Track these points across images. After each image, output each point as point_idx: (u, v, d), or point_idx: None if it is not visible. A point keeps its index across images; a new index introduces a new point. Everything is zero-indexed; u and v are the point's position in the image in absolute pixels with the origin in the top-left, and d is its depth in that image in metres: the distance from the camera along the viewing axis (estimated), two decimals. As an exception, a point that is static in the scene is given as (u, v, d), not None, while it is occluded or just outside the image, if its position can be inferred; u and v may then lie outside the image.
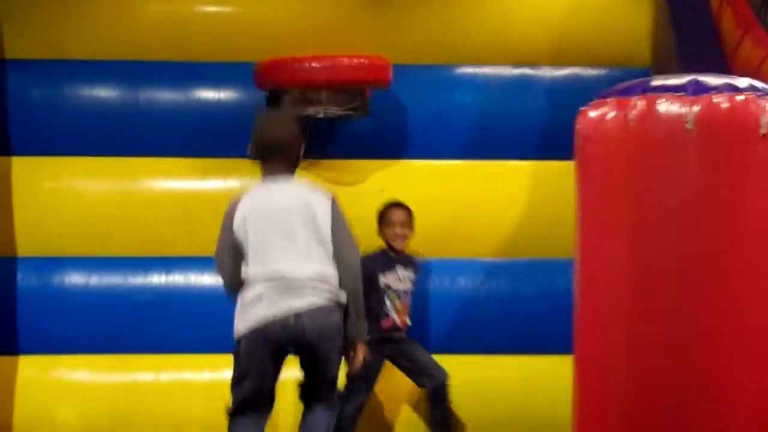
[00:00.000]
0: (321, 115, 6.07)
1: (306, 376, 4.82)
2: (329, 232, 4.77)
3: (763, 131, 2.99)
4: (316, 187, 5.02)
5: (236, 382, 4.76)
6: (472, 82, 6.50)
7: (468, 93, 6.47)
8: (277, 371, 4.76)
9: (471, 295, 6.31)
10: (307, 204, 4.80)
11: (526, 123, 6.43)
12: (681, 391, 3.01)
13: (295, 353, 4.76)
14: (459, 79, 6.52)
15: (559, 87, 6.48)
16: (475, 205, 6.35)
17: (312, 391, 4.82)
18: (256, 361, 4.68)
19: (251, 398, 4.72)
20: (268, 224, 4.77)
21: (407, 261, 6.02)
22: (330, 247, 4.76)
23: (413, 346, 5.97)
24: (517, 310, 6.28)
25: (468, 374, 6.23)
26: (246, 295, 4.74)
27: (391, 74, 6.11)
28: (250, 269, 4.75)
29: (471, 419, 6.18)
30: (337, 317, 4.73)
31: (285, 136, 4.95)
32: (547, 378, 6.01)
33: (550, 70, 6.53)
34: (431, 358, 5.96)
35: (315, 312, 4.67)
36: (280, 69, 6.08)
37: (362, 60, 6.07)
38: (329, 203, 4.87)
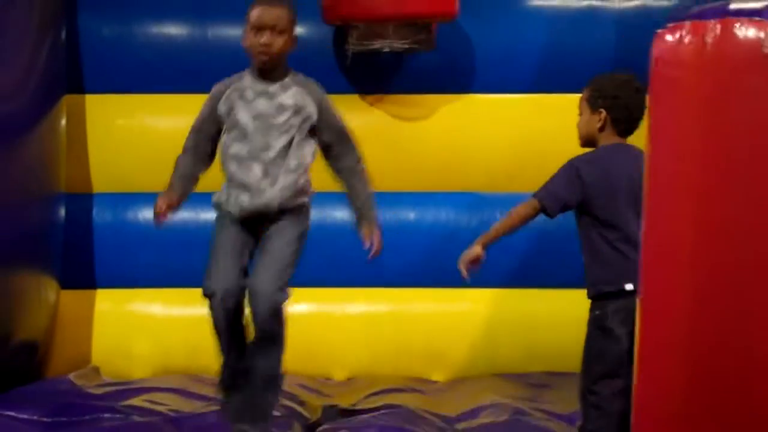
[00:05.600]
0: (386, 50, 6.08)
1: None
2: None
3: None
4: None
5: None
6: (540, 14, 6.45)
7: (536, 26, 6.43)
8: None
9: (539, 229, 6.29)
10: None
11: (595, 56, 6.36)
12: (748, 326, 3.00)
13: None
14: (527, 12, 6.47)
15: (628, 19, 6.40)
16: (543, 139, 6.33)
17: None
18: None
19: None
20: None
21: None
22: None
23: None
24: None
25: (535, 307, 6.27)
26: None
27: (457, 6, 6.08)
28: None
29: (540, 351, 6.22)
30: None
31: None
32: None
33: (619, 2, 6.45)
34: None
35: None
36: (347, 1, 6.07)
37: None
38: None
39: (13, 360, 5.83)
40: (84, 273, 6.41)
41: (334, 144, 4.61)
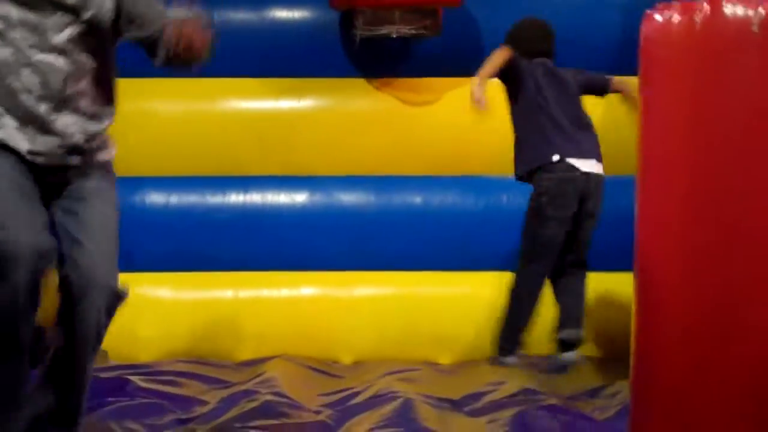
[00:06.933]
0: (393, 35, 6.09)
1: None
2: None
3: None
4: None
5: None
6: (545, -2, 6.47)
7: (541, 10, 6.41)
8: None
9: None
10: None
11: (601, 40, 6.37)
12: (735, 296, 3.04)
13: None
14: (531, -5, 6.48)
15: (635, 4, 6.36)
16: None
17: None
18: None
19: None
20: None
21: None
22: None
23: None
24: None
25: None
26: None
27: None
28: None
29: (547, 333, 6.22)
30: None
31: None
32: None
33: (623, -18, 6.46)
34: None
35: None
36: (353, -13, 6.09)
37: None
38: None
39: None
40: (91, 257, 6.40)
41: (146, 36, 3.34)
